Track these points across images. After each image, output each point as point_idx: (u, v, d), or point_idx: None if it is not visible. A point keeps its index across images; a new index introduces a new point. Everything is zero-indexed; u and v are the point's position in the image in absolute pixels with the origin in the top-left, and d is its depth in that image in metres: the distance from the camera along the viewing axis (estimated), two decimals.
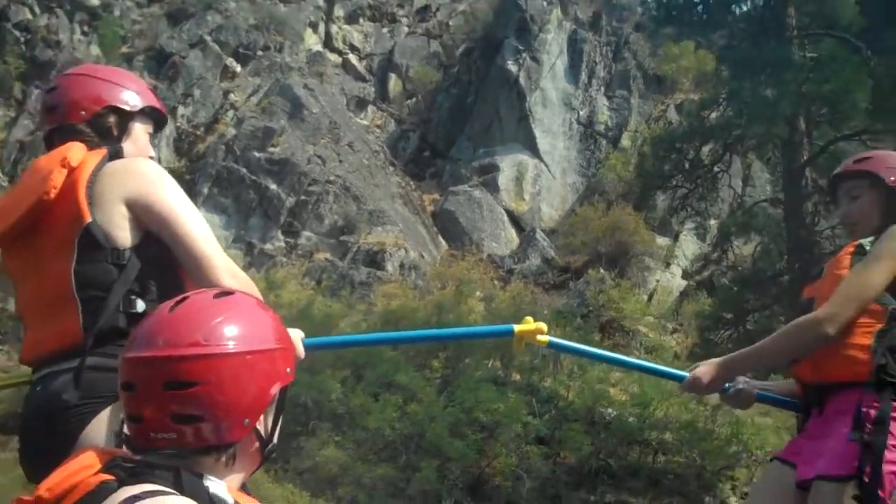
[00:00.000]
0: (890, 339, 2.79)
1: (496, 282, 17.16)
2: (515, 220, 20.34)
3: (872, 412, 2.69)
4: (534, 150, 21.02)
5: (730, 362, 3.02)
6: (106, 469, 1.52)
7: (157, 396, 1.54)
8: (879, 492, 2.61)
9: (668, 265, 18.82)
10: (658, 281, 19.00)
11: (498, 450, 11.48)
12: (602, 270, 19.02)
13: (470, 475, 11.31)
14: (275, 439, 1.73)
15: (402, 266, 16.51)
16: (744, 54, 13.19)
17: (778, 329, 3.17)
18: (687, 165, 14.02)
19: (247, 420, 1.62)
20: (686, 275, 18.75)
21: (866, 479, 2.61)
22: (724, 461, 14.66)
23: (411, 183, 20.96)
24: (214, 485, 1.57)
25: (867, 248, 2.97)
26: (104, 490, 1.48)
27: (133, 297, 2.22)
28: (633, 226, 19.33)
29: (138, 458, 1.56)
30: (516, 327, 3.14)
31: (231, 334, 1.59)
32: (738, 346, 13.46)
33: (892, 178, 3.07)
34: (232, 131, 19.10)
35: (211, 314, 1.61)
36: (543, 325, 3.14)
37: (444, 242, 19.12)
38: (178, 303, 1.63)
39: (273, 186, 17.70)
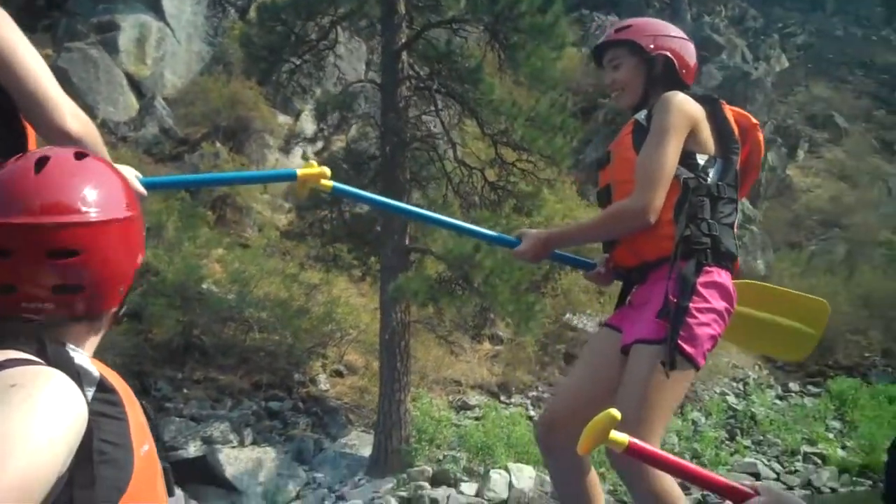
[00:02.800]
0: (690, 209, 2.94)
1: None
2: (136, 84, 19.67)
3: (681, 280, 2.84)
4: (159, 11, 20.40)
5: (550, 239, 3.17)
6: None
7: (38, 265, 1.50)
8: (690, 350, 2.76)
9: (287, 143, 19.28)
10: (277, 160, 19.44)
11: None
12: (218, 144, 19.09)
13: None
14: (125, 304, 1.72)
15: None
16: None
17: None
18: (293, 39, 14.26)
19: (122, 288, 1.64)
20: (304, 155, 19.36)
21: (678, 342, 2.75)
22: (317, 339, 15.59)
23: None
24: (79, 356, 1.54)
25: (644, 123, 3.09)
26: None
27: None
28: (253, 101, 19.48)
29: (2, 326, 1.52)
30: (299, 171, 3.18)
31: (106, 201, 1.58)
32: (335, 227, 14.46)
33: (651, 46, 3.21)
34: None
35: (82, 179, 1.57)
36: (327, 170, 3.18)
37: None
38: (39, 163, 1.56)
39: None
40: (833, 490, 14.29)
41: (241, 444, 12.98)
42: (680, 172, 2.96)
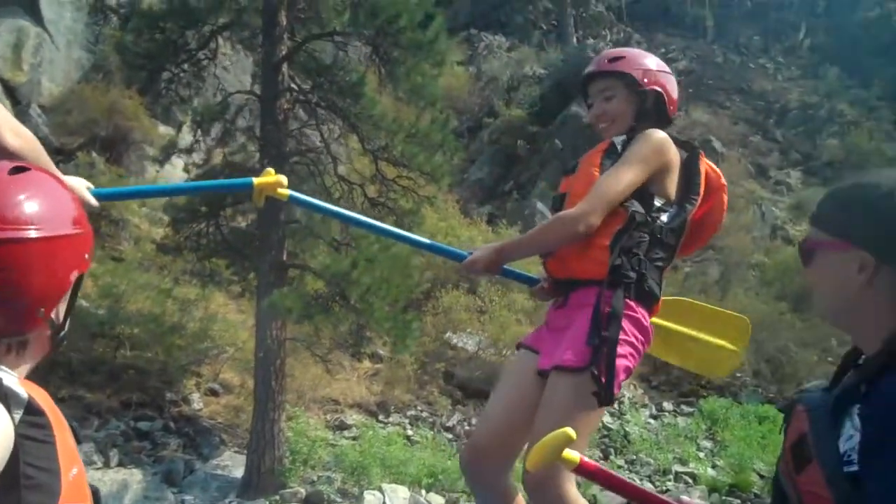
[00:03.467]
0: (627, 241, 2.99)
1: None
2: (11, 91, 18.96)
3: (607, 309, 2.90)
4: (37, 16, 19.74)
5: (503, 249, 3.22)
6: None
7: None
8: (604, 380, 2.84)
9: (168, 155, 18.85)
10: (158, 171, 19.01)
11: None
12: (95, 154, 18.56)
13: None
14: (66, 327, 1.69)
15: None
16: None
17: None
18: (172, 48, 13.99)
19: (42, 309, 1.57)
20: (186, 167, 18.98)
21: (596, 372, 2.81)
22: (191, 357, 15.24)
23: None
24: (7, 377, 1.50)
25: (618, 147, 3.18)
26: None
27: None
28: (132, 110, 19.01)
29: None
30: (255, 180, 3.19)
31: (34, 217, 1.52)
32: (213, 240, 14.17)
33: (645, 80, 3.26)
34: None
35: (10, 193, 1.52)
36: (283, 178, 3.20)
37: None
38: None
39: None
40: None
41: (107, 465, 12.56)
42: (631, 205, 3.03)
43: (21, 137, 2.10)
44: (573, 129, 24.24)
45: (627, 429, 16.86)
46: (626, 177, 3.02)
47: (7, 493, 1.39)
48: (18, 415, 1.46)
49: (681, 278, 23.07)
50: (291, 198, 3.28)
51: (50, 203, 1.58)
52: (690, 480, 15.45)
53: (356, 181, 14.18)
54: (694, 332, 3.52)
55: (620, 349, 2.88)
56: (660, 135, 3.12)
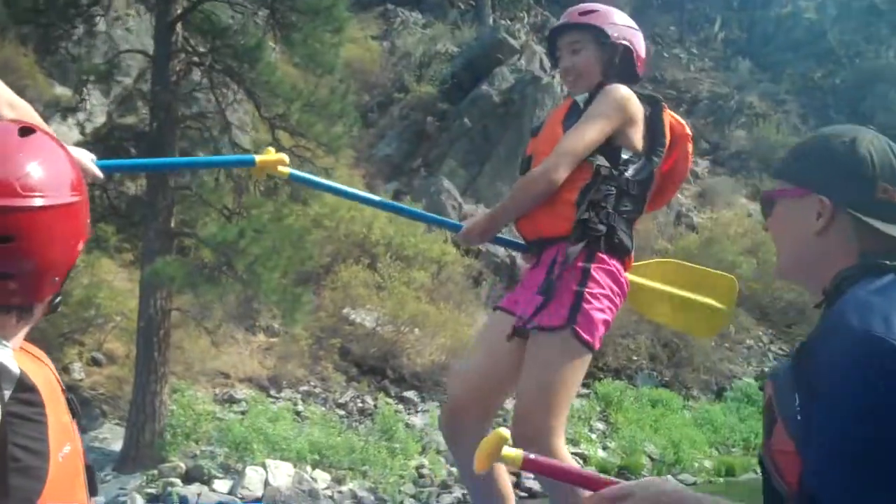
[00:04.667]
0: (594, 195, 2.99)
1: None
2: None
3: (560, 259, 2.94)
4: None
5: (494, 216, 3.25)
6: None
7: None
8: (587, 336, 2.88)
9: (65, 118, 18.16)
10: (55, 131, 18.26)
11: None
12: None
13: None
14: (61, 293, 1.66)
15: None
16: None
17: None
18: (62, 3, 13.44)
19: (56, 278, 1.56)
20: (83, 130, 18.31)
21: (576, 328, 2.86)
22: (74, 325, 14.72)
23: None
24: (0, 350, 1.47)
25: (581, 106, 3.15)
26: None
27: None
28: (27, 68, 18.23)
29: None
30: (258, 157, 3.25)
31: (46, 184, 1.49)
32: (100, 205, 13.65)
33: (615, 34, 3.20)
34: None
35: (23, 158, 1.48)
36: (285, 157, 3.25)
37: None
38: None
39: None
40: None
41: None
42: (596, 160, 3.02)
43: (16, 109, 2.12)
44: (483, 109, 24.21)
45: None
46: (588, 132, 3.03)
47: None
48: (9, 391, 1.43)
49: None
50: (292, 176, 3.35)
51: (57, 168, 1.55)
52: (581, 461, 15.57)
53: (251, 149, 13.82)
54: (682, 292, 3.51)
55: (597, 303, 2.92)
56: (622, 89, 3.12)
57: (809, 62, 39.82)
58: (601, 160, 3.02)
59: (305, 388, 15.98)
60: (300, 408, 15.08)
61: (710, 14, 41.50)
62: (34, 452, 1.43)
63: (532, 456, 1.62)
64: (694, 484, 15.18)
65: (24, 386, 1.45)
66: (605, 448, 16.52)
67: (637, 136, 3.12)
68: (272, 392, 15.65)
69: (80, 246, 1.63)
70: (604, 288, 2.96)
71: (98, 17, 14.22)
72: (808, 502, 1.39)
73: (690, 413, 18.82)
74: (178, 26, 13.16)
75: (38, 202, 1.48)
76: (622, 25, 3.27)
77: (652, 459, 16.30)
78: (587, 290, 2.90)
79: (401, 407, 16.04)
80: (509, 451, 1.61)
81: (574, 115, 3.16)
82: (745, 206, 28.90)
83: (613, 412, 17.61)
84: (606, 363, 19.88)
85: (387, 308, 17.76)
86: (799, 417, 1.44)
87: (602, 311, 2.94)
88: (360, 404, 15.74)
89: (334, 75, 13.58)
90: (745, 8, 42.49)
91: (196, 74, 13.75)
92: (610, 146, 3.05)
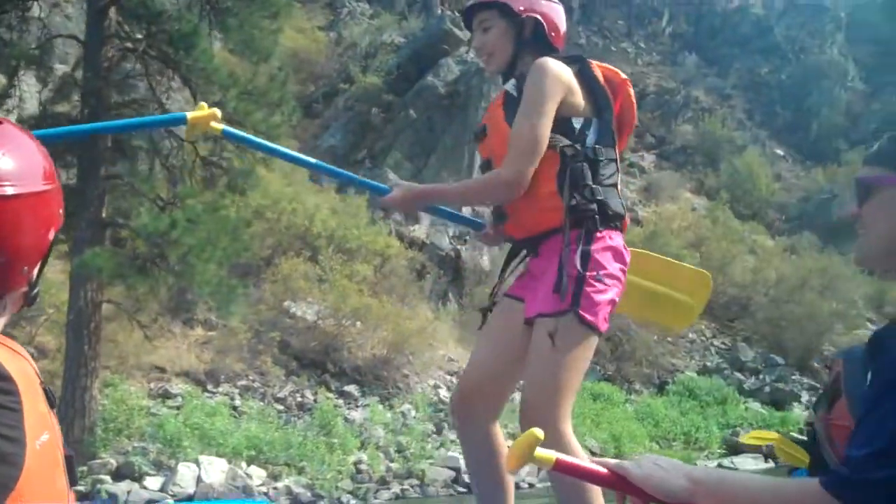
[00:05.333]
0: (571, 177, 2.91)
1: None
2: None
3: (574, 247, 2.86)
4: None
5: (426, 192, 3.19)
6: None
7: None
8: (591, 318, 2.81)
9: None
10: None
11: None
12: None
13: None
14: (39, 284, 1.64)
15: None
16: None
17: None
18: None
19: (26, 268, 1.55)
20: (21, 119, 17.84)
21: (579, 311, 2.80)
22: None
23: None
24: None
25: (514, 94, 3.05)
26: None
27: None
28: None
29: None
30: (189, 114, 3.10)
31: (15, 173, 1.48)
32: None
33: (521, 7, 3.10)
34: None
35: None
36: (217, 112, 3.11)
37: None
38: None
39: None
40: (531, 485, 14.78)
41: None
42: (557, 141, 2.95)
43: None
44: (428, 100, 24.09)
45: None
46: (537, 119, 2.94)
47: None
48: None
49: None
50: (225, 132, 3.23)
51: (27, 156, 1.54)
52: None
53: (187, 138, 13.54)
54: (654, 285, 3.49)
55: (598, 284, 2.89)
56: (548, 62, 2.98)
57: (756, 58, 40.33)
58: (562, 140, 2.97)
59: (244, 382, 15.75)
60: (237, 402, 14.86)
61: (658, 8, 41.83)
62: (9, 439, 1.42)
63: (565, 457, 1.61)
64: None
65: None
66: None
67: (580, 101, 3.04)
68: (209, 387, 15.40)
69: (52, 235, 1.59)
70: (605, 268, 2.93)
71: (31, 2, 13.81)
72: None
73: (633, 407, 18.91)
74: (112, 11, 12.82)
75: (8, 191, 1.46)
76: None
77: (593, 454, 16.31)
78: (589, 273, 2.87)
79: (341, 401, 15.89)
80: (542, 452, 1.59)
81: (511, 105, 3.07)
82: (689, 200, 29.20)
83: None
84: None
85: (328, 301, 17.58)
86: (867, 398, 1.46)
87: (605, 291, 2.91)
88: (299, 399, 15.56)
89: (272, 63, 13.32)
90: (693, 3, 42.88)
91: (131, 61, 13.41)
92: (561, 121, 2.98)
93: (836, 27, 44.30)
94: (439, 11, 30.89)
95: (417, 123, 23.92)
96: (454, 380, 18.27)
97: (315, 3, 31.70)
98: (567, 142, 2.97)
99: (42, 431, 1.51)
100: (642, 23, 40.65)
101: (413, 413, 16.23)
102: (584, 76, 3.11)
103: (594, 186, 2.96)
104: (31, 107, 15.87)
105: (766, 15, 42.88)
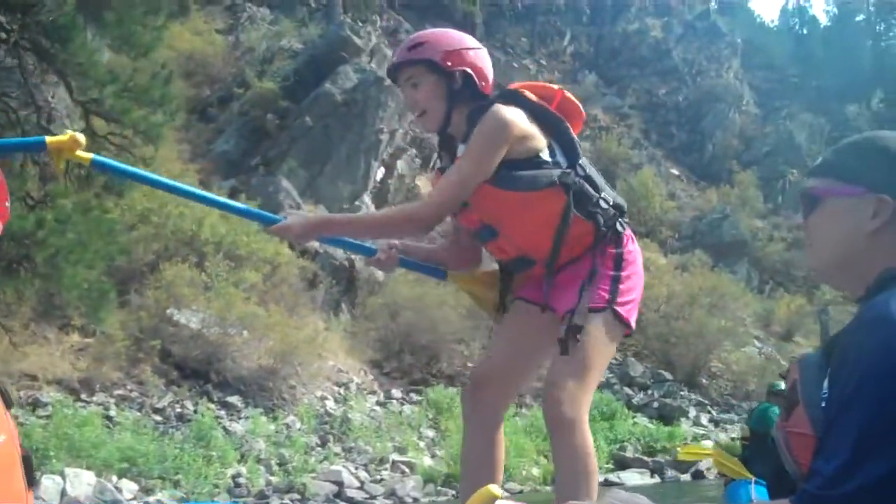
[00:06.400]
0: (583, 199, 2.99)
1: None
2: None
3: (608, 260, 3.04)
4: None
5: (325, 223, 3.16)
6: None
7: None
8: (626, 317, 2.99)
9: None
10: None
11: None
12: None
13: None
14: None
15: None
16: None
17: None
18: None
19: None
20: None
21: (615, 308, 2.97)
22: None
23: None
24: None
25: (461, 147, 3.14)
26: None
27: None
28: None
29: None
30: (48, 138, 2.91)
31: None
32: None
33: (449, 63, 3.09)
34: None
35: None
36: (80, 137, 2.89)
37: None
38: None
39: None
40: (416, 500, 14.57)
41: None
42: (549, 175, 3.00)
43: None
44: (325, 108, 23.86)
45: (350, 415, 16.61)
46: (475, 170, 2.99)
47: None
48: None
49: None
50: (94, 162, 3.02)
51: None
52: (407, 469, 15.39)
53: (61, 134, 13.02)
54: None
55: (630, 283, 3.06)
56: (500, 112, 3.02)
57: (654, 79, 41.24)
58: (551, 172, 3.03)
59: (120, 391, 15.20)
60: (112, 413, 14.30)
61: (560, 27, 42.44)
62: None
63: None
64: (520, 493, 15.19)
65: None
66: (433, 456, 16.38)
67: (534, 135, 3.08)
68: (83, 396, 14.79)
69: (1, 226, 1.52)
70: (634, 268, 3.10)
71: None
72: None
73: (522, 421, 18.93)
74: None
75: None
76: (457, 49, 3.19)
77: None
78: (623, 272, 3.03)
79: (223, 412, 15.47)
80: None
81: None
82: None
83: (444, 419, 17.48)
84: (440, 369, 19.83)
85: (213, 309, 17.13)
86: (824, 404, 1.49)
87: (633, 290, 3.08)
88: (178, 410, 15.08)
89: (155, 60, 12.92)
90: (595, 23, 43.66)
91: (1, 52, 12.86)
92: (531, 162, 3.04)
93: (733, 52, 45.70)
94: (341, 18, 30.67)
95: (313, 131, 23.64)
96: (342, 391, 18.02)
97: (215, 7, 31.21)
98: (558, 171, 3.03)
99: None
100: (545, 41, 41.18)
101: (298, 425, 15.90)
102: (525, 106, 3.14)
103: (598, 196, 3.08)
104: None
105: (665, 38, 43.93)
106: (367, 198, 24.27)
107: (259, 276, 18.69)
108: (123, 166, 3.43)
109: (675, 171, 37.96)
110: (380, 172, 25.26)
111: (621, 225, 3.11)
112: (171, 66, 15.31)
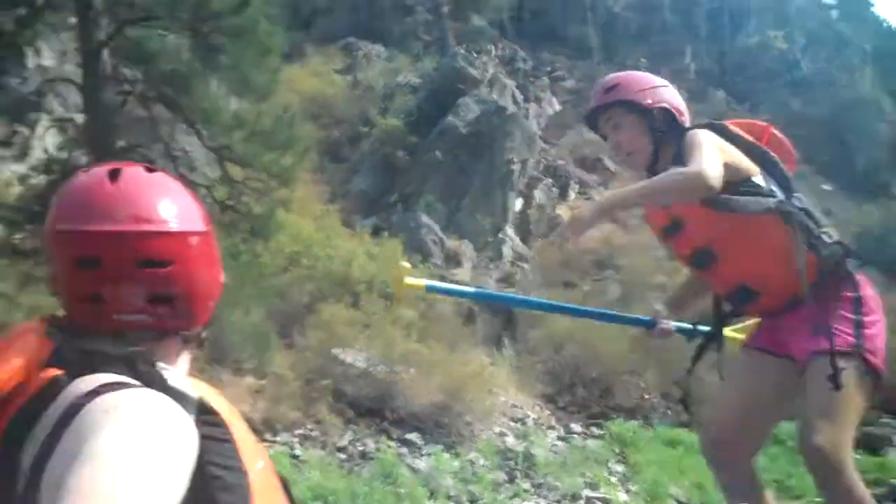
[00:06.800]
0: (803, 232, 2.98)
1: None
2: None
3: (845, 303, 3.00)
4: None
5: (609, 201, 2.99)
6: (54, 360, 1.44)
7: (128, 275, 1.52)
8: (875, 362, 2.97)
9: None
10: None
11: None
12: None
13: None
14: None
15: None
16: None
17: None
18: None
19: (211, 302, 1.71)
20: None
21: (865, 356, 2.94)
22: None
23: None
24: (171, 374, 1.54)
25: None
26: (56, 385, 1.41)
27: None
28: None
29: (86, 346, 1.49)
30: (394, 271, 3.42)
31: (188, 213, 1.61)
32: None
33: (649, 101, 3.20)
34: None
35: (158, 191, 1.58)
36: (405, 265, 3.30)
37: None
38: (112, 174, 1.57)
39: None
40: None
41: None
42: (765, 202, 2.98)
43: None
44: (452, 141, 23.53)
45: (533, 451, 15.86)
46: (710, 147, 2.95)
47: (199, 497, 1.37)
48: (193, 415, 1.47)
49: (580, 297, 22.40)
50: (428, 288, 3.33)
51: (188, 202, 1.65)
52: None
53: (202, 182, 12.82)
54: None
55: (874, 329, 3.00)
56: (699, 132, 3.03)
57: (784, 91, 39.94)
58: (770, 199, 2.99)
59: (301, 430, 14.83)
60: (297, 451, 13.94)
61: (678, 46, 41.64)
62: (232, 469, 1.47)
63: None
64: None
65: (205, 409, 1.53)
66: (627, 491, 15.42)
67: (743, 159, 3.04)
68: (267, 436, 14.48)
69: (221, 276, 1.70)
70: (876, 312, 3.02)
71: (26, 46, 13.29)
72: None
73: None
74: (105, 53, 12.17)
75: (181, 227, 1.58)
76: (649, 88, 3.25)
77: (679, 502, 15.24)
78: (865, 318, 2.96)
79: (404, 450, 14.92)
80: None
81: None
82: None
83: (630, 453, 16.56)
84: (617, 403, 18.92)
85: (375, 347, 16.76)
86: None
87: (879, 335, 3.01)
88: (360, 447, 14.61)
89: (275, 103, 12.77)
90: (713, 39, 42.84)
91: (131, 104, 12.81)
92: (747, 185, 3.00)
93: (863, 60, 43.99)
94: (454, 50, 30.48)
95: (444, 165, 23.32)
96: (520, 426, 17.29)
97: (329, 46, 31.49)
98: (774, 200, 3.01)
99: (257, 458, 1.60)
100: (665, 60, 40.35)
101: (481, 461, 15.22)
102: (726, 136, 3.13)
103: (818, 230, 3.05)
104: (35, 152, 15.22)
105: (791, 48, 42.63)
106: (509, 230, 23.74)
107: (416, 314, 18.30)
108: (455, 287, 3.87)
109: (826, 187, 36.33)
110: (518, 203, 24.72)
111: (851, 265, 3.02)
112: (296, 108, 15.71)
